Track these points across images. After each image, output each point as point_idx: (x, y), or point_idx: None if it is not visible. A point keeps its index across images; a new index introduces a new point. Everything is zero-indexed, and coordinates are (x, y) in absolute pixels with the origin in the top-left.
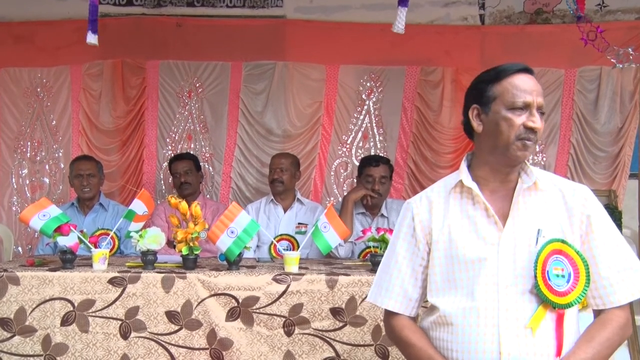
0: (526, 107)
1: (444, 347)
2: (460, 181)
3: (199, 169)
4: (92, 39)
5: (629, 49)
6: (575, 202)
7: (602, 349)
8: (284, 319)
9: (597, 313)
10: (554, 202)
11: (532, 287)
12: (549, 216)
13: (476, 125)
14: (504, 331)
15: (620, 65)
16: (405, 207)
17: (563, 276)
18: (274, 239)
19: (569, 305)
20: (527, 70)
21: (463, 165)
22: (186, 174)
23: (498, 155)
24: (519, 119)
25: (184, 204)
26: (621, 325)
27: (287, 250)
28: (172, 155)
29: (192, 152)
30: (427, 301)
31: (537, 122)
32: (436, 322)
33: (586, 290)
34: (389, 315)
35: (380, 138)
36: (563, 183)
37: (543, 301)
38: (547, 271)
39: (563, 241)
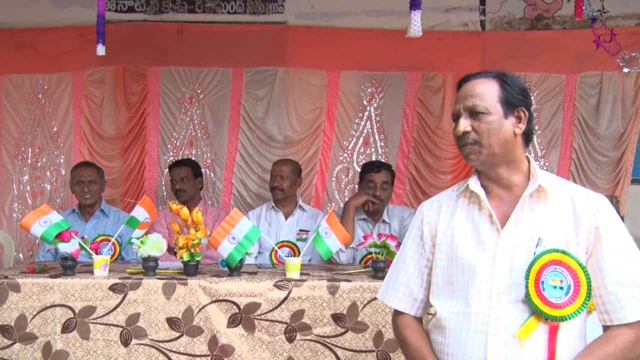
0: (458, 117)
1: (439, 350)
2: (468, 185)
3: (197, 176)
4: (100, 50)
5: (636, 53)
6: (584, 212)
7: None
8: (285, 325)
9: (605, 329)
10: (562, 210)
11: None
12: (555, 225)
13: None
14: (492, 338)
15: (627, 70)
16: (419, 209)
17: (561, 288)
18: (276, 245)
19: (563, 319)
20: (468, 79)
21: (474, 171)
22: (182, 181)
23: None
24: (455, 131)
25: (185, 210)
26: (626, 344)
27: (288, 257)
28: (174, 161)
29: (193, 158)
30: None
31: (458, 126)
32: (434, 325)
33: (586, 305)
34: (395, 313)
35: (382, 144)
36: (577, 191)
37: (535, 311)
38: (542, 281)
39: (564, 252)
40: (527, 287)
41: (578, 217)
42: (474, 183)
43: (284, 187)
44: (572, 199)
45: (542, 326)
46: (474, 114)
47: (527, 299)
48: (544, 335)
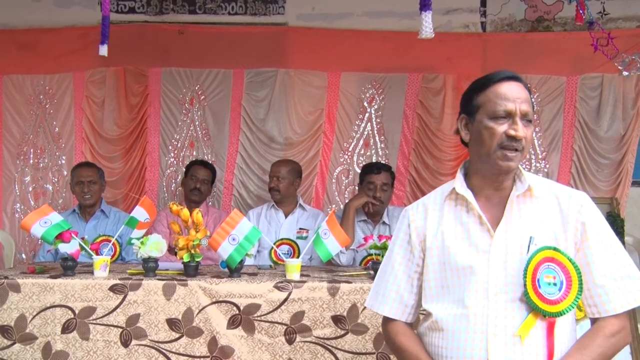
0: (508, 115)
1: (436, 353)
2: (454, 189)
3: (213, 182)
4: (103, 51)
5: (635, 57)
6: (570, 209)
7: (595, 357)
8: (285, 327)
9: (594, 322)
10: (548, 208)
11: (522, 295)
12: (543, 223)
13: (464, 134)
14: (492, 338)
15: (627, 73)
16: (403, 214)
17: (555, 284)
18: (274, 244)
19: (559, 314)
20: (514, 78)
21: (459, 173)
22: (203, 182)
23: (485, 163)
24: (501, 128)
25: (185, 211)
26: (614, 334)
27: (288, 254)
28: (175, 162)
29: (193, 160)
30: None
31: (519, 130)
32: (429, 328)
33: (578, 299)
34: (386, 320)
35: (382, 145)
36: (560, 189)
37: (533, 309)
38: (538, 279)
39: (555, 249)
40: (525, 285)
41: (565, 214)
42: (460, 186)
43: (280, 187)
44: (557, 197)
45: (539, 323)
46: (525, 120)
47: (526, 298)
48: (542, 332)
